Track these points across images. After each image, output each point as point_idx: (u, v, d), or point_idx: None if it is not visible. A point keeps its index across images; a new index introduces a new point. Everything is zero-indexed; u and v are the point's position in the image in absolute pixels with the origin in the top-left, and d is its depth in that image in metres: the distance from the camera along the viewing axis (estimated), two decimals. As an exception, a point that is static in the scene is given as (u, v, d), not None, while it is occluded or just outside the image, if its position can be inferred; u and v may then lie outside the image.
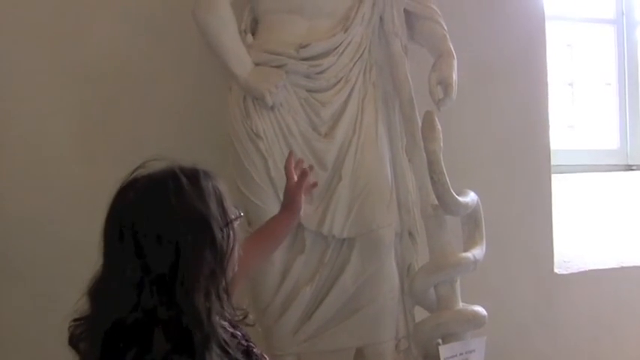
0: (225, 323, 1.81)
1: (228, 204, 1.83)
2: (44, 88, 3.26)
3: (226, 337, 1.77)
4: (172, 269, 1.70)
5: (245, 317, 1.93)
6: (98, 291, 1.76)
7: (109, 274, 1.75)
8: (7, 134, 3.22)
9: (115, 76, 3.31)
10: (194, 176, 1.80)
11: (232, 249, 1.80)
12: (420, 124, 2.90)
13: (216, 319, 1.74)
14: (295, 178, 2.37)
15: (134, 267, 1.70)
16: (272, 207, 2.79)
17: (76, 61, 3.28)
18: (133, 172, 1.82)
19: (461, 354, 2.90)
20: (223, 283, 1.77)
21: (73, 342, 1.79)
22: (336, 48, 2.88)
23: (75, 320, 1.79)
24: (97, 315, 1.75)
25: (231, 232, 1.80)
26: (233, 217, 1.82)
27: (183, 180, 1.77)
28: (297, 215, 2.41)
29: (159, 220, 1.72)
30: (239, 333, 1.89)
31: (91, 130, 3.30)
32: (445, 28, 3.06)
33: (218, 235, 1.75)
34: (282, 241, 2.52)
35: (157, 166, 1.82)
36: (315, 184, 2.55)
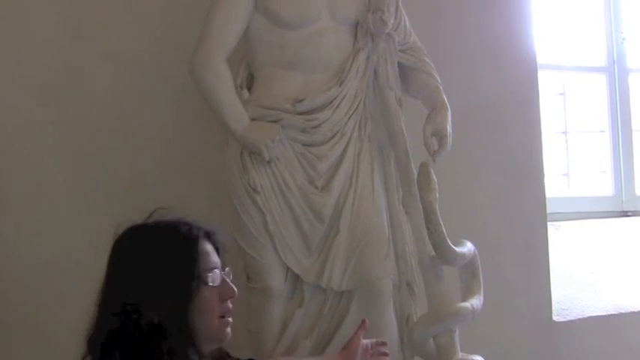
0: None
1: (204, 261, 1.97)
2: (40, 137, 3.26)
3: None
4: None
5: None
6: (90, 337, 1.91)
7: (98, 320, 1.92)
8: (3, 184, 3.21)
9: (112, 126, 3.32)
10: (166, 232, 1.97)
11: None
12: (415, 175, 2.92)
13: None
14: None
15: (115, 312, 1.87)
16: (270, 261, 2.84)
17: (75, 111, 3.29)
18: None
19: (461, 404, 2.89)
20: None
21: None
22: (331, 102, 2.90)
23: None
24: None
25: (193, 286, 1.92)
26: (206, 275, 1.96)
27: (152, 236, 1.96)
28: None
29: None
30: None
31: (88, 180, 3.30)
32: (438, 80, 3.09)
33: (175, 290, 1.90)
34: None
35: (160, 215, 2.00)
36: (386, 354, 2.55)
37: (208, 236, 2.03)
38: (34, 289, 3.18)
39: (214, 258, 2.02)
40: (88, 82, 3.31)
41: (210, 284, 1.97)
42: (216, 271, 1.99)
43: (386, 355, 2.53)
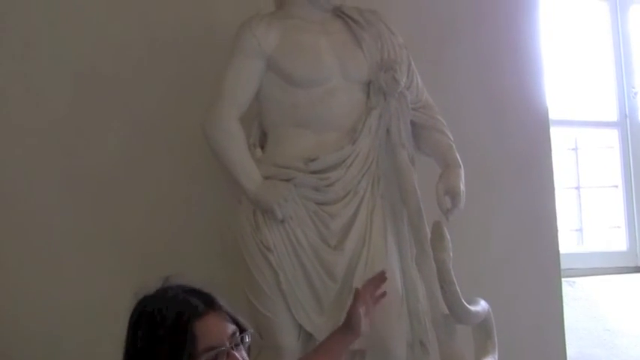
0: None
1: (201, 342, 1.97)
2: (48, 189, 3.27)
3: None
4: None
5: None
6: None
7: None
8: (11, 244, 3.22)
9: (122, 179, 3.34)
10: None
11: None
12: (428, 234, 2.91)
13: None
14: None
15: None
16: (283, 319, 2.83)
17: (84, 164, 3.31)
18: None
19: None
20: None
21: None
22: (344, 161, 2.90)
23: None
24: None
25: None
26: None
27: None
28: (355, 332, 2.49)
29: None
30: None
31: (97, 232, 3.30)
32: (451, 138, 3.10)
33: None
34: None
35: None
36: (383, 294, 2.60)
37: (215, 307, 2.02)
38: (40, 349, 3.15)
39: (217, 336, 1.99)
40: (98, 135, 3.34)
41: None
42: (216, 350, 1.98)
43: (383, 295, 2.60)
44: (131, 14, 3.40)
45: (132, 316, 2.02)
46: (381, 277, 2.59)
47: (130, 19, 3.40)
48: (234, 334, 2.02)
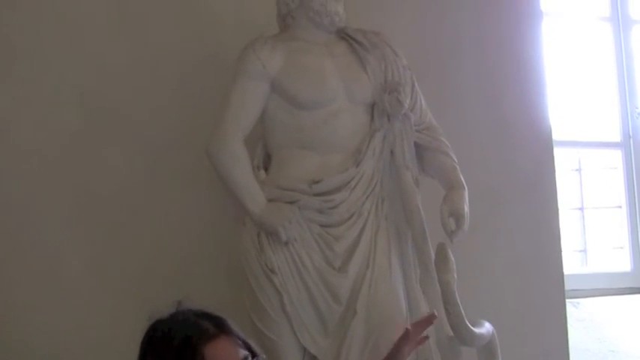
0: None
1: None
2: (55, 218, 3.26)
3: None
4: None
5: None
6: None
7: None
8: (19, 267, 3.20)
9: (127, 206, 3.33)
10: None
11: None
12: (433, 255, 2.91)
13: None
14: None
15: None
16: (287, 342, 2.83)
17: (89, 192, 3.30)
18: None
19: None
20: None
21: None
22: (348, 183, 2.91)
23: None
24: None
25: None
26: None
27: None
28: None
29: None
30: None
31: (104, 259, 3.29)
32: (455, 159, 3.10)
33: None
34: None
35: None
36: (426, 337, 2.53)
37: (226, 331, 2.00)
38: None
39: None
40: (101, 164, 3.33)
41: None
42: None
43: (426, 338, 2.53)
44: (135, 38, 3.40)
45: (143, 340, 2.00)
46: (430, 319, 2.52)
47: (134, 42, 3.41)
48: (245, 359, 2.00)
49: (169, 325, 2.00)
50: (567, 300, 4.10)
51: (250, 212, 2.87)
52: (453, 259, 2.86)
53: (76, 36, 3.33)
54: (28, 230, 3.21)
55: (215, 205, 3.29)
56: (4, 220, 3.17)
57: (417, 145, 3.08)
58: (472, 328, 2.88)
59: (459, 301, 2.83)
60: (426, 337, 2.55)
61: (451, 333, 2.89)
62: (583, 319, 4.33)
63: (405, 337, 2.40)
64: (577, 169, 4.91)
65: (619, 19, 4.98)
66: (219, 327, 1.99)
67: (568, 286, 4.13)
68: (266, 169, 3.04)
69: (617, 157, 4.94)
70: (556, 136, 4.30)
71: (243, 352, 2.00)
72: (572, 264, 4.46)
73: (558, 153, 4.32)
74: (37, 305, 3.17)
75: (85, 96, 3.32)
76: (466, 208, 2.99)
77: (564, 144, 4.69)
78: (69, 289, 3.23)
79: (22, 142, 3.24)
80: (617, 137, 4.96)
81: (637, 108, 4.99)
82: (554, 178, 4.15)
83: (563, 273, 4.07)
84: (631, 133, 4.94)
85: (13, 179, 3.21)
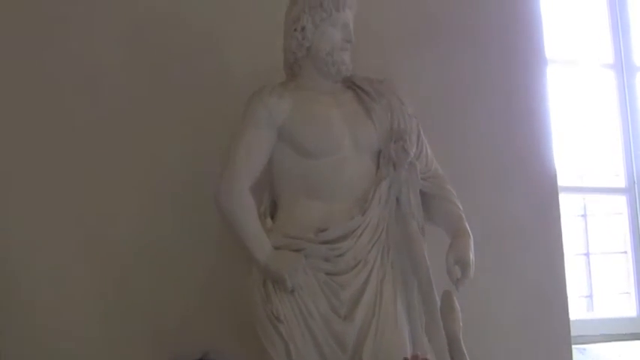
0: None
1: None
2: (61, 258, 3.28)
3: None
4: None
5: None
6: None
7: None
8: (27, 319, 3.21)
9: (135, 254, 3.35)
10: None
11: None
12: (438, 304, 2.91)
13: None
14: None
15: None
16: (294, 389, 2.81)
17: (96, 233, 3.32)
18: None
19: None
20: None
21: None
22: (354, 231, 2.92)
23: None
24: None
25: None
26: None
27: None
28: None
29: None
30: None
31: (112, 301, 3.31)
32: (460, 207, 3.12)
33: None
34: None
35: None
36: None
37: None
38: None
39: None
40: (111, 203, 3.35)
41: None
42: None
43: None
44: (142, 67, 3.46)
45: None
46: None
47: (142, 86, 3.45)
48: None
49: None
50: (574, 346, 4.09)
51: (256, 260, 2.88)
52: (458, 307, 2.87)
53: (84, 64, 3.39)
54: (32, 271, 3.23)
55: (222, 253, 3.30)
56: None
57: (422, 193, 3.09)
58: (478, 376, 2.88)
59: (464, 350, 2.83)
60: None
61: (457, 381, 2.89)
62: (590, 364, 4.31)
63: None
64: (582, 215, 4.91)
65: (622, 66, 5.02)
66: None
67: (574, 332, 4.12)
68: (272, 216, 3.06)
69: (622, 202, 4.94)
70: (561, 181, 4.32)
71: None
72: (578, 309, 4.45)
73: (563, 199, 4.33)
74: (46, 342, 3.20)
75: (90, 125, 3.37)
76: (472, 256, 2.99)
77: (569, 190, 4.70)
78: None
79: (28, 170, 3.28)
80: (621, 183, 4.97)
81: (642, 153, 5.01)
82: (560, 223, 4.16)
83: (569, 319, 4.07)
84: (635, 179, 4.95)
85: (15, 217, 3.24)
